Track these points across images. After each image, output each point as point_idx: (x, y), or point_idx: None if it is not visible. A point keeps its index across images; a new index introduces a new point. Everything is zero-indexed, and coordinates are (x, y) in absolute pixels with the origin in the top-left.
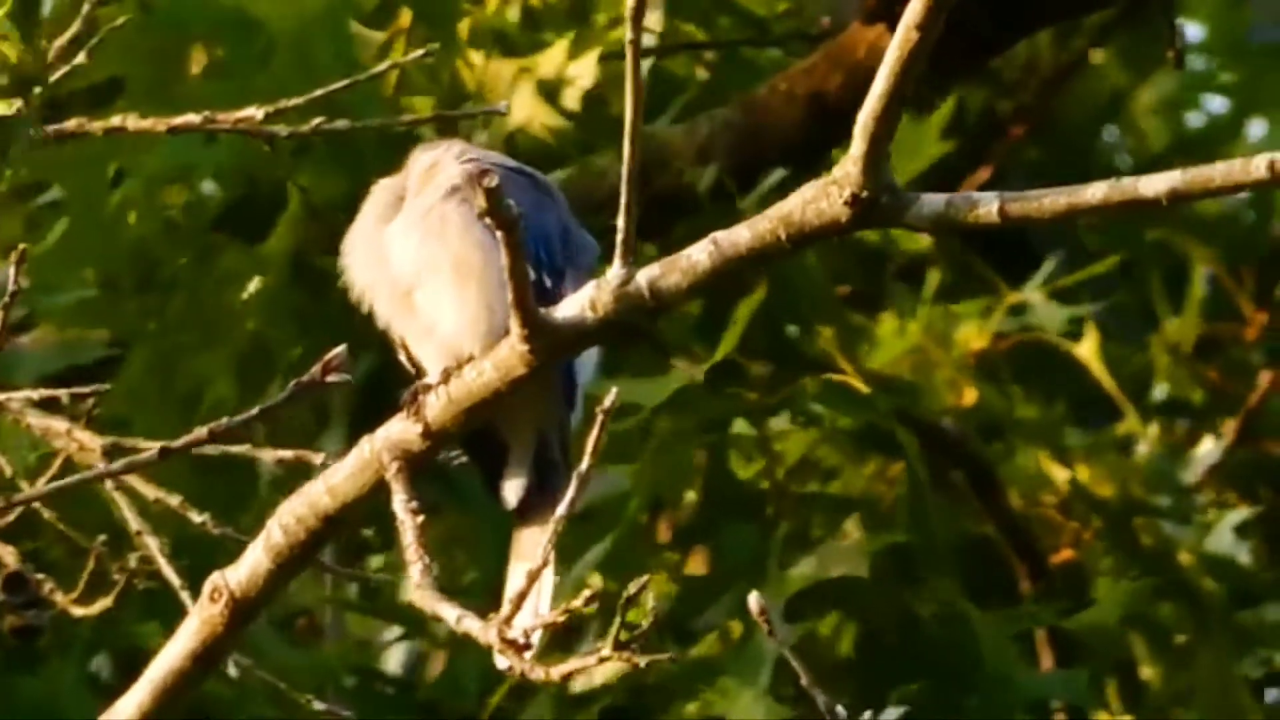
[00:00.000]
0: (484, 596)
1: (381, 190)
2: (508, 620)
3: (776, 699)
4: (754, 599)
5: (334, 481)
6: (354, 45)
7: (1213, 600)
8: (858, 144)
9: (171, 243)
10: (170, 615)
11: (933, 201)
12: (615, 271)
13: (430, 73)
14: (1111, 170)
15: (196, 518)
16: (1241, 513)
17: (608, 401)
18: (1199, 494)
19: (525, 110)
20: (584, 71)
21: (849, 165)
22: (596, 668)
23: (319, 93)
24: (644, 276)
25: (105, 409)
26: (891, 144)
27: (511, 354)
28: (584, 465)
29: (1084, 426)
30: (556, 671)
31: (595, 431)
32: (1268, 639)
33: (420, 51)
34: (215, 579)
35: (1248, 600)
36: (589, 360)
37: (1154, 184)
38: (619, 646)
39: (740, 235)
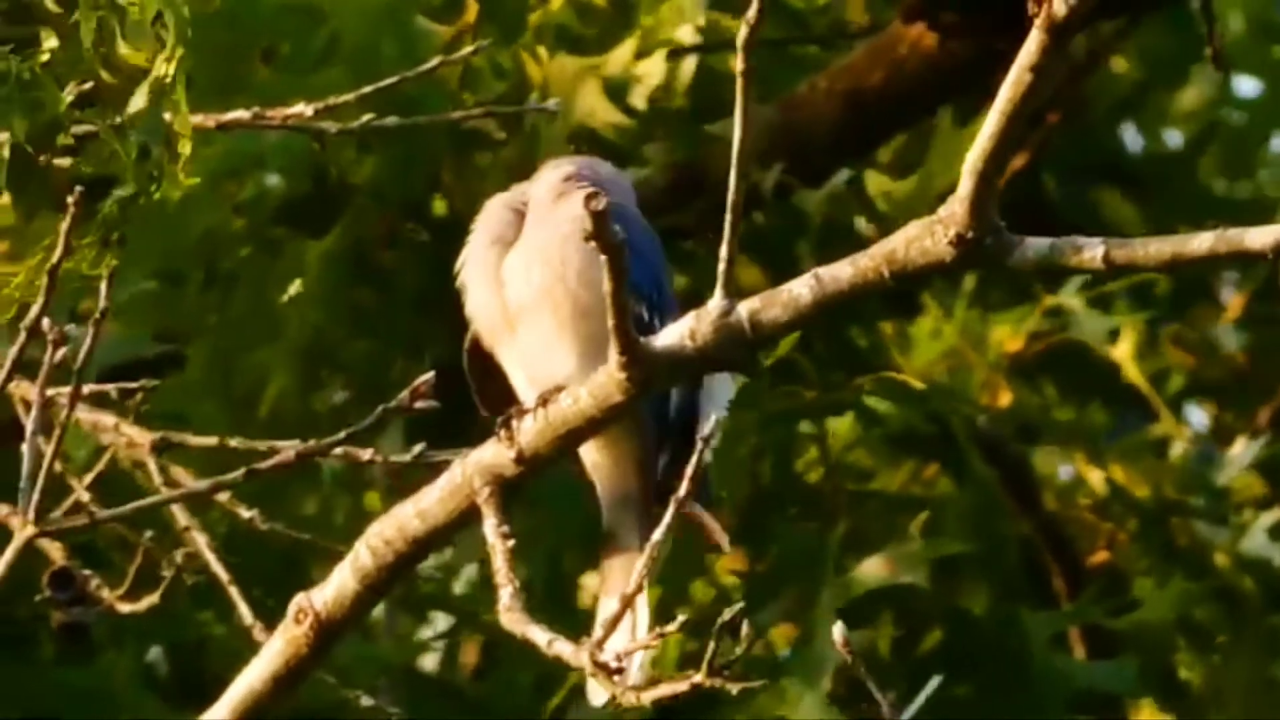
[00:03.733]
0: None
1: (498, 207)
2: (600, 644)
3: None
4: (838, 630)
5: (424, 505)
6: (420, 41)
7: (1250, 601)
8: (966, 183)
9: (234, 236)
10: (224, 607)
11: (1037, 245)
12: (716, 302)
13: (496, 68)
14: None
15: (245, 513)
16: (1276, 514)
17: (707, 428)
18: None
19: (588, 107)
20: (651, 70)
21: (955, 205)
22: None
23: (368, 89)
24: (744, 309)
25: (161, 403)
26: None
27: (609, 381)
28: (681, 491)
29: (1119, 428)
30: (648, 696)
31: (694, 459)
32: None
33: (470, 49)
34: (301, 600)
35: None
36: (721, 396)
37: (1261, 237)
38: (714, 672)
39: (842, 271)
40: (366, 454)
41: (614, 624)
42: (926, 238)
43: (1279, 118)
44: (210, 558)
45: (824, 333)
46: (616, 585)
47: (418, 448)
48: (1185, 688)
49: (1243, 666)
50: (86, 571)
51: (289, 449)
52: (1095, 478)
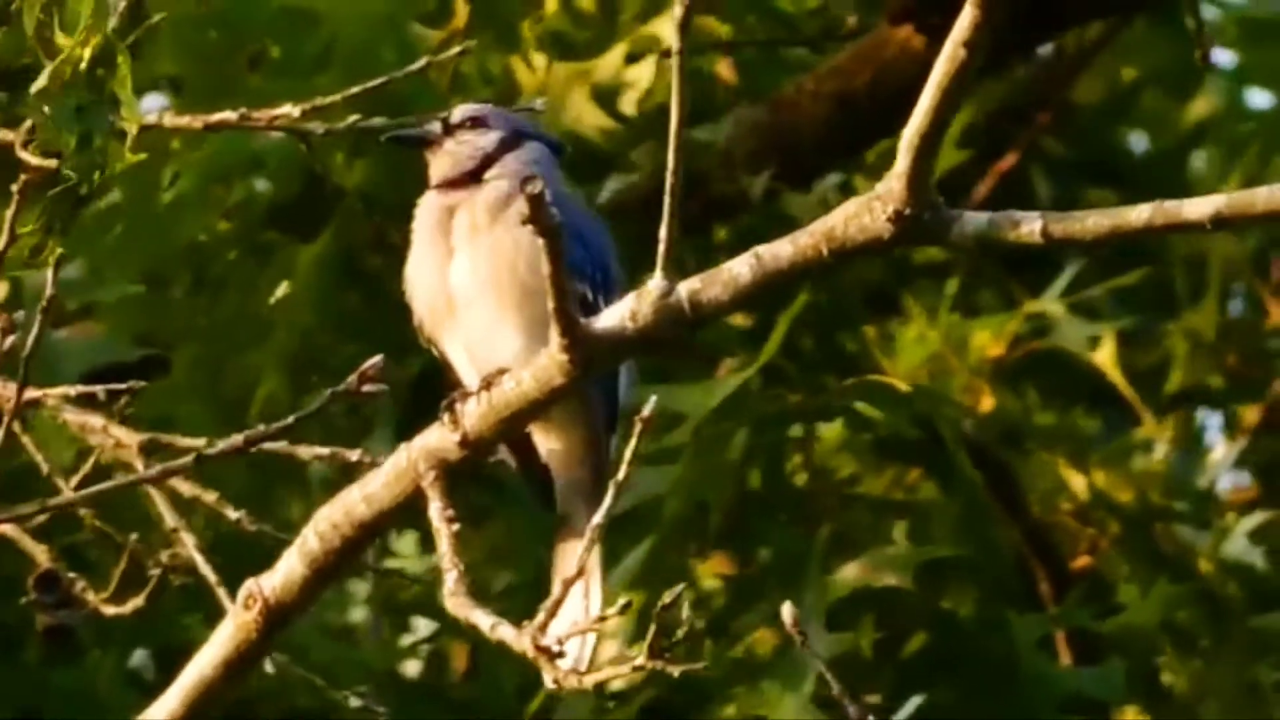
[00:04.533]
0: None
1: (436, 205)
2: (542, 627)
3: (818, 703)
4: (787, 610)
5: (370, 489)
6: (416, 47)
7: (1232, 605)
8: (902, 160)
9: (223, 240)
10: (211, 609)
11: (975, 220)
12: (656, 283)
13: (484, 74)
14: (1130, 161)
15: (232, 514)
16: (1257, 517)
17: (646, 410)
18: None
19: (576, 112)
20: (641, 76)
21: (893, 181)
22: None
23: (355, 90)
24: (684, 289)
25: (149, 407)
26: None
27: (551, 363)
28: (620, 474)
29: (1102, 432)
30: (590, 679)
31: (633, 440)
32: None
33: (456, 50)
34: (250, 585)
35: (1265, 604)
36: (625, 380)
37: (1199, 207)
38: (655, 654)
39: (782, 249)
40: (355, 454)
41: (555, 608)
42: (865, 215)
43: None
44: (198, 559)
45: (812, 337)
46: (569, 569)
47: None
48: (1169, 691)
49: (1227, 670)
50: (72, 574)
51: (238, 437)
52: (1078, 483)
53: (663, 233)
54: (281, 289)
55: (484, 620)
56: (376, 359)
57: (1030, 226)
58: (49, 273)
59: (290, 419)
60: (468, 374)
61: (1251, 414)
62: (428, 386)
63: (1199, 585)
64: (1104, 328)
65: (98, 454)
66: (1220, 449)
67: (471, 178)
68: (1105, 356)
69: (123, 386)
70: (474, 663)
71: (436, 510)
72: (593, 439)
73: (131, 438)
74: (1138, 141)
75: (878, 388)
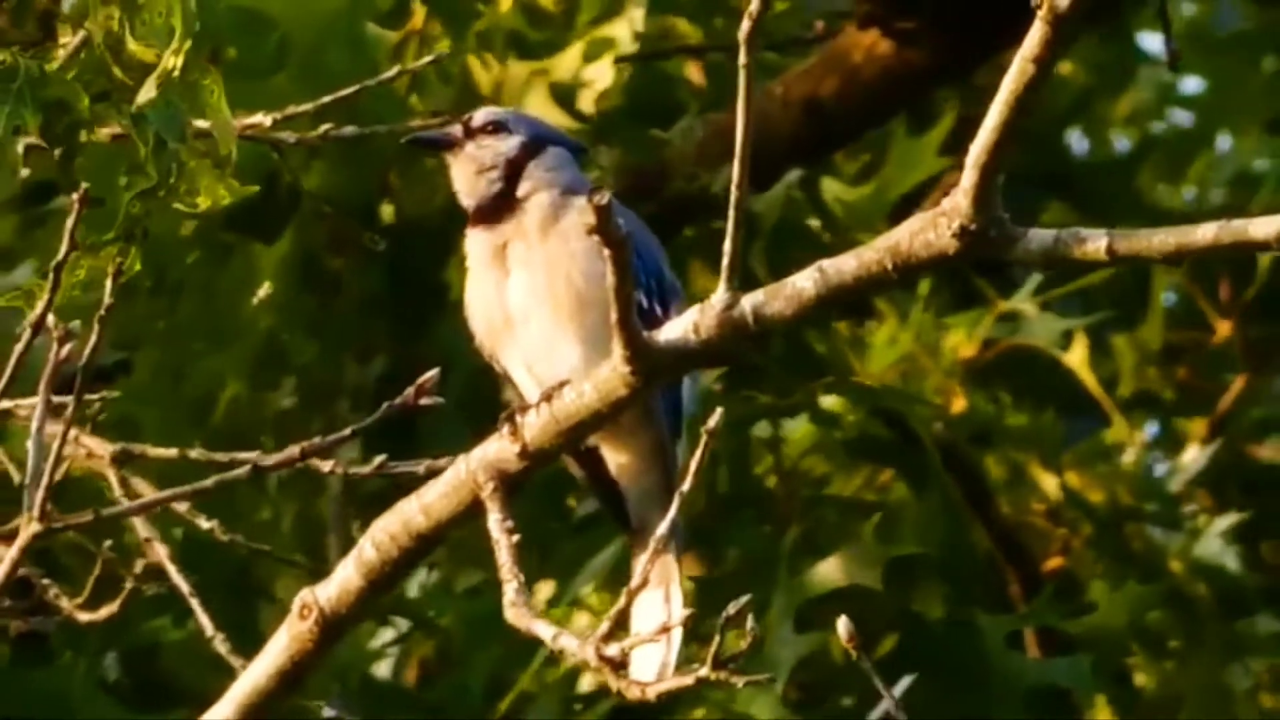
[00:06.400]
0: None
1: (481, 242)
2: (606, 637)
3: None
4: (843, 624)
5: (428, 500)
6: (369, 47)
7: (1203, 606)
8: (969, 175)
9: (183, 242)
10: (179, 614)
11: (1041, 237)
12: (720, 296)
13: (442, 74)
14: (1081, 169)
15: (204, 524)
16: (1230, 518)
17: (712, 422)
18: (1187, 500)
19: (536, 111)
20: (600, 75)
21: (959, 197)
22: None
23: (328, 99)
24: (748, 302)
25: (111, 410)
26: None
27: (613, 375)
28: (685, 485)
29: (1072, 433)
30: (653, 690)
31: (698, 452)
32: (1258, 648)
33: (430, 57)
34: (305, 596)
35: (1238, 607)
36: (689, 389)
37: (1263, 227)
38: (718, 665)
39: (846, 264)
40: (327, 466)
41: (619, 616)
42: (930, 230)
43: (1223, 116)
44: (170, 569)
45: (782, 338)
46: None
47: (379, 459)
48: (1140, 692)
49: (1198, 671)
50: (45, 580)
51: (294, 449)
52: (1049, 483)
53: (726, 245)
54: (263, 290)
55: (545, 631)
56: (433, 372)
57: (1096, 244)
58: (107, 282)
59: (348, 430)
60: (529, 390)
61: (1199, 427)
62: (392, 392)
63: (1169, 585)
64: (1076, 322)
65: (69, 463)
66: (1192, 452)
67: (503, 197)
68: (1077, 358)
69: (95, 396)
70: (439, 664)
71: (496, 521)
72: (659, 448)
73: (103, 448)
74: (1078, 141)
75: (850, 387)
